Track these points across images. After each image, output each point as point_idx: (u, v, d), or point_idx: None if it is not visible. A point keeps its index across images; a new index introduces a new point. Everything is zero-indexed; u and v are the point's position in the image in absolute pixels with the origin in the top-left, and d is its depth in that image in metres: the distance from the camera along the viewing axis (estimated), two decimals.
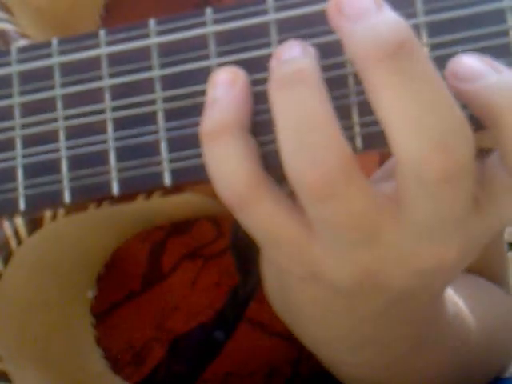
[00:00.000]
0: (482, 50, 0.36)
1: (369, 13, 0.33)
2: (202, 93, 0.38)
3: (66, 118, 0.39)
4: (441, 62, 0.36)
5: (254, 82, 0.38)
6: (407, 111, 0.33)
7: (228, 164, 0.36)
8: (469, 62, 0.34)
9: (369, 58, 0.33)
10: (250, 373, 0.57)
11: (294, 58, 0.35)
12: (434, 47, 0.36)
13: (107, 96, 0.39)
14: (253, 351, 0.56)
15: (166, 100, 0.38)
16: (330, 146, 0.34)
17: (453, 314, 0.47)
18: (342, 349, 0.43)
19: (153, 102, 0.39)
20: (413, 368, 0.47)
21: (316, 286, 0.38)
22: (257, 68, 0.38)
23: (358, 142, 0.36)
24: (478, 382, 0.55)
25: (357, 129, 0.36)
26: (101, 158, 0.39)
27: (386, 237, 0.36)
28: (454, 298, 0.48)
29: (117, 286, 0.52)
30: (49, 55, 0.40)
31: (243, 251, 0.45)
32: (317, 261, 0.37)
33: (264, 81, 0.37)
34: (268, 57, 0.37)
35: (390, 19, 0.33)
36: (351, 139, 0.36)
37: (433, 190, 0.34)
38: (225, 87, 0.36)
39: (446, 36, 0.36)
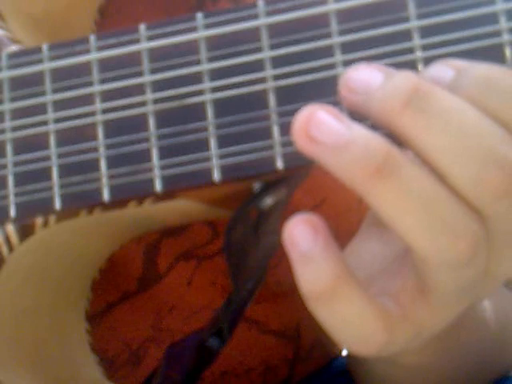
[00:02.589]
0: (475, 51, 0.35)
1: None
2: (193, 98, 0.38)
3: (57, 124, 0.39)
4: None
5: (248, 83, 0.37)
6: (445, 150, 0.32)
7: (357, 319, 0.34)
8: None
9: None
10: (246, 371, 0.57)
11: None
12: (426, 48, 0.36)
13: (98, 102, 0.39)
14: (249, 349, 0.56)
15: (157, 106, 0.38)
16: (463, 211, 0.33)
17: None
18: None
19: (144, 108, 0.38)
20: (458, 342, 0.48)
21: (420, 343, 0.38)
22: (248, 72, 0.37)
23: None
24: (489, 375, 0.54)
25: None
26: (91, 165, 0.38)
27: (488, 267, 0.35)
28: None
29: (113, 287, 0.52)
30: (39, 61, 0.40)
31: (237, 257, 0.44)
32: (423, 326, 0.36)
33: (259, 82, 0.37)
34: (259, 62, 0.37)
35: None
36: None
37: (497, 207, 0.33)
38: (310, 241, 0.33)
39: (438, 37, 0.36)
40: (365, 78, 0.34)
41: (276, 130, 0.37)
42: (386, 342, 0.34)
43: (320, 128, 0.32)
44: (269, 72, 0.37)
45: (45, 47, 0.40)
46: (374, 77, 0.33)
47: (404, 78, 0.33)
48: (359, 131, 0.32)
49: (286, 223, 0.33)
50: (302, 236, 0.33)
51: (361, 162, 0.32)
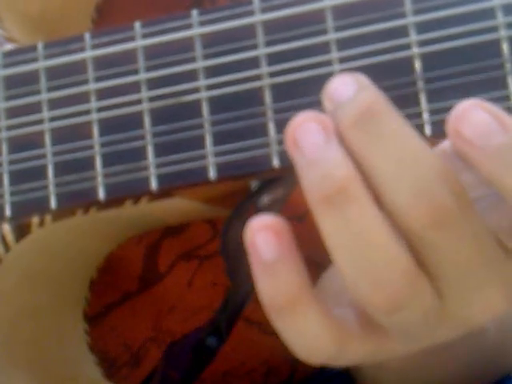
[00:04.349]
0: (472, 46, 0.35)
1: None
2: (188, 96, 0.37)
3: (52, 122, 0.39)
4: (430, 59, 0.35)
5: (244, 80, 0.37)
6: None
7: (310, 332, 0.34)
8: (477, 118, 0.32)
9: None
10: (248, 372, 0.56)
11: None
12: (422, 44, 0.36)
13: (93, 100, 0.39)
14: (250, 350, 0.56)
15: (153, 104, 0.38)
16: (391, 263, 0.32)
17: None
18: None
19: (139, 106, 0.38)
20: (450, 351, 0.48)
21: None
22: (244, 69, 0.37)
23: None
24: (491, 376, 0.54)
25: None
26: (87, 164, 0.38)
27: (444, 315, 0.35)
28: None
29: (113, 288, 0.52)
30: (34, 59, 0.39)
31: (234, 256, 0.44)
32: (389, 350, 0.36)
33: (255, 79, 0.37)
34: (254, 59, 0.37)
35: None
36: None
37: (428, 239, 0.33)
38: (273, 246, 0.32)
39: (435, 33, 0.35)
40: (337, 88, 0.34)
41: (272, 128, 0.37)
42: (334, 355, 0.34)
43: (303, 136, 0.33)
44: (264, 69, 0.37)
45: (40, 45, 0.39)
46: (345, 89, 0.33)
47: (361, 96, 0.33)
48: (332, 154, 0.32)
49: (248, 225, 0.33)
50: (265, 244, 0.32)
51: (318, 184, 0.32)
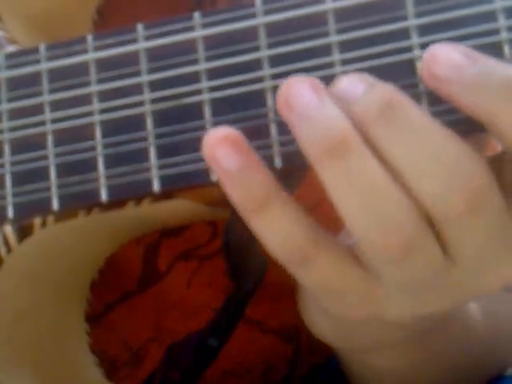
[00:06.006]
0: (474, 49, 0.35)
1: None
2: (191, 98, 0.38)
3: (55, 124, 0.39)
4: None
5: (246, 83, 0.37)
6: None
7: (282, 230, 0.35)
8: (446, 57, 0.34)
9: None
10: (247, 371, 0.57)
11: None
12: (424, 46, 0.36)
13: (95, 102, 0.39)
14: (250, 350, 0.56)
15: (155, 106, 0.38)
16: (400, 207, 0.33)
17: None
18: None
19: (141, 108, 0.38)
20: (434, 352, 0.48)
21: (377, 324, 0.39)
22: (246, 71, 0.37)
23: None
24: (483, 376, 0.54)
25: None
26: (89, 165, 0.38)
27: (450, 278, 0.36)
28: None
29: (113, 288, 0.52)
30: (37, 61, 0.39)
31: (236, 256, 0.44)
32: (379, 306, 0.37)
33: (257, 80, 0.37)
34: (257, 61, 0.37)
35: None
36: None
37: (463, 223, 0.34)
38: (234, 155, 0.34)
39: (436, 35, 0.36)
40: (346, 87, 0.35)
41: (274, 129, 0.37)
42: (306, 254, 0.35)
43: (295, 96, 0.34)
44: (267, 71, 0.37)
45: (42, 47, 0.39)
46: (355, 87, 0.35)
47: (380, 89, 0.34)
48: (329, 109, 0.33)
49: (204, 141, 0.34)
50: (225, 156, 0.34)
51: (318, 138, 0.33)
